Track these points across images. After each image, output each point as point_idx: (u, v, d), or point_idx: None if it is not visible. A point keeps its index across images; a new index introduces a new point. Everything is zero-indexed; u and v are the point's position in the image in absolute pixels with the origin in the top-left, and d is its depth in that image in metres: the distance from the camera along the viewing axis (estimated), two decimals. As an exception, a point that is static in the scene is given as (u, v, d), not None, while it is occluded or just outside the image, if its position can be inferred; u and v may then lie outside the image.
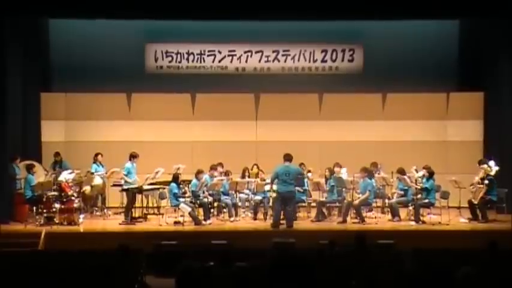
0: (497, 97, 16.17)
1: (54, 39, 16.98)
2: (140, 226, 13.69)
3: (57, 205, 13.39)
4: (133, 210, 14.11)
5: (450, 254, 9.77)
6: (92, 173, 14.76)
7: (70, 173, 14.16)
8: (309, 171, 14.96)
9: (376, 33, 16.78)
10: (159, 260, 10.99)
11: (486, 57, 16.54)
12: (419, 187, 13.93)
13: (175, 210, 13.82)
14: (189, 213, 13.50)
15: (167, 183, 14.20)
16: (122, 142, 16.48)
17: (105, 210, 14.78)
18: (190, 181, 14.23)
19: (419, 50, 16.95)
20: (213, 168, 14.50)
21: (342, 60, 17.10)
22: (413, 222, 13.57)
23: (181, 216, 13.66)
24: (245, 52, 17.07)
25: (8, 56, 14.04)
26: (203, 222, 13.55)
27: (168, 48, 17.05)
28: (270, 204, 14.19)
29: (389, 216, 14.30)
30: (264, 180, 14.52)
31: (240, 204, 14.58)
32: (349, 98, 17.09)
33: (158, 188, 14.53)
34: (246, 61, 17.11)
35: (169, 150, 16.33)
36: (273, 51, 17.08)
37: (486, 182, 13.92)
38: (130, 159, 14.09)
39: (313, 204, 14.76)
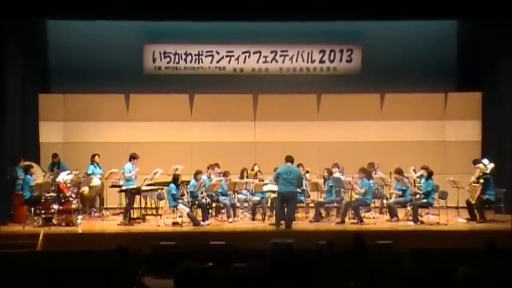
0: (496, 97, 16.20)
1: (52, 40, 16.97)
2: (138, 227, 13.69)
3: (55, 206, 13.37)
4: (131, 211, 14.11)
5: (448, 254, 9.78)
6: (89, 175, 14.74)
7: (68, 174, 14.14)
8: (307, 172, 14.97)
9: (374, 34, 16.78)
10: (157, 261, 10.96)
11: (484, 57, 16.57)
12: (417, 188, 13.94)
13: (173, 211, 13.82)
14: (188, 214, 13.50)
15: (166, 184, 14.21)
16: (120, 143, 16.50)
17: (103, 211, 14.78)
18: (188, 182, 14.23)
19: (417, 50, 16.96)
20: (210, 167, 14.52)
21: (340, 60, 17.10)
22: (411, 223, 13.58)
23: (179, 217, 13.65)
24: (243, 53, 17.06)
25: (6, 56, 14.03)
26: (201, 223, 13.55)
27: (166, 49, 17.04)
28: (269, 204, 14.21)
29: (387, 216, 14.31)
30: (263, 180, 14.52)
31: (238, 204, 14.58)
32: (347, 99, 17.10)
33: (157, 189, 14.52)
34: (244, 62, 17.11)
35: (167, 151, 16.34)
36: (271, 52, 17.08)
37: (481, 180, 13.93)
38: (130, 160, 14.09)
39: (312, 204, 14.76)
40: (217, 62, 17.09)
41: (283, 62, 17.12)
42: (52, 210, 13.33)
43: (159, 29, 16.61)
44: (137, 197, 14.41)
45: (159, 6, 13.34)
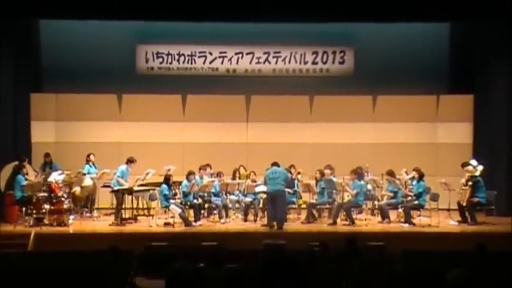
0: (487, 100, 16.28)
1: (45, 40, 16.92)
2: (130, 227, 13.66)
3: (46, 206, 13.34)
4: (123, 211, 14.08)
5: (440, 256, 9.79)
6: (84, 174, 14.71)
7: (60, 174, 14.11)
8: (299, 173, 14.98)
9: (367, 36, 16.81)
10: (149, 262, 10.92)
11: (476, 60, 16.63)
12: (408, 190, 13.97)
13: (165, 212, 13.80)
14: (180, 215, 13.49)
15: (158, 184, 14.19)
16: (113, 143, 16.49)
17: (94, 212, 14.74)
18: (180, 182, 14.22)
19: (409, 52, 17.00)
20: (202, 168, 14.51)
21: (333, 62, 17.12)
22: (406, 224, 13.58)
23: (171, 217, 13.64)
24: (236, 54, 17.07)
25: (-2, 56, 14.02)
26: (193, 223, 13.54)
27: (159, 50, 17.03)
28: (261, 205, 14.22)
29: (379, 218, 14.33)
30: (256, 181, 14.52)
31: (230, 205, 14.58)
32: (340, 100, 17.13)
33: (148, 189, 14.50)
34: (237, 63, 17.11)
35: (160, 151, 16.33)
36: (264, 53, 17.09)
37: (470, 183, 13.97)
38: (127, 163, 14.04)
39: (304, 206, 14.77)
40: (210, 62, 17.09)
41: (276, 63, 17.13)
42: (43, 210, 13.30)
43: (152, 29, 16.60)
44: (129, 198, 14.40)
45: (152, 7, 13.33)
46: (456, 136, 16.94)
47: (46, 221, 13.23)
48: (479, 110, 16.69)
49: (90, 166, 14.96)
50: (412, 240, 12.47)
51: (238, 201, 14.75)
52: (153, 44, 17.02)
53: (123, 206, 14.12)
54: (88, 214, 14.83)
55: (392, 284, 6.36)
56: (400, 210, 14.10)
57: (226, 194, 14.54)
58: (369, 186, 14.45)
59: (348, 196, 13.92)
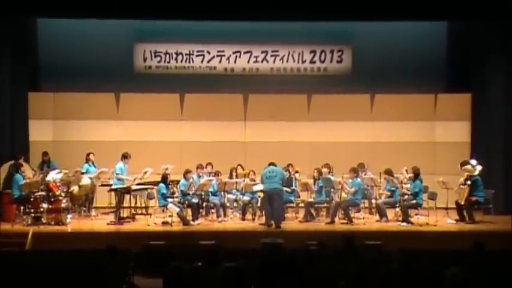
0: (485, 98, 16.29)
1: (42, 39, 16.90)
2: (128, 226, 13.65)
3: (44, 205, 13.32)
4: (121, 210, 14.07)
5: (437, 254, 9.81)
6: (83, 173, 14.69)
7: (58, 173, 14.09)
8: (297, 172, 14.98)
9: (365, 35, 16.82)
10: (147, 260, 10.96)
11: (474, 59, 16.64)
12: (405, 188, 13.98)
13: (163, 211, 13.79)
14: (177, 214, 13.48)
15: (155, 183, 14.18)
16: (110, 142, 16.48)
17: (92, 211, 14.73)
18: (178, 181, 14.21)
19: (407, 51, 17.00)
20: (199, 167, 14.49)
21: (331, 61, 17.12)
22: (404, 223, 13.58)
23: (169, 216, 13.63)
24: (234, 52, 17.06)
25: (-4, 54, 14.00)
26: (191, 222, 13.53)
27: (156, 48, 17.01)
28: (259, 204, 14.22)
29: (377, 217, 14.33)
30: (254, 180, 14.52)
31: (228, 204, 14.58)
32: (337, 99, 17.13)
33: (146, 188, 14.50)
34: (235, 61, 17.10)
35: (157, 150, 16.32)
36: (262, 52, 17.08)
37: (468, 182, 13.99)
38: (122, 159, 14.05)
39: (301, 204, 14.78)
40: (208, 61, 17.07)
41: (274, 62, 17.12)
42: (41, 209, 13.27)
43: (150, 28, 16.60)
44: (127, 196, 14.39)
45: (150, 5, 13.33)
46: (454, 135, 16.95)
47: (44, 220, 13.20)
48: (477, 109, 16.71)
49: (90, 165, 14.94)
50: (410, 239, 12.47)
51: (236, 200, 14.75)
52: (151, 43, 17.01)
53: (121, 205, 14.10)
54: (86, 213, 14.80)
55: (390, 282, 6.37)
56: (397, 209, 14.10)
57: (224, 193, 14.54)
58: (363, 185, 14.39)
59: (348, 193, 13.90)
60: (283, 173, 13.82)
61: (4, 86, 15.29)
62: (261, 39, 16.84)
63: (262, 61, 17.11)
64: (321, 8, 13.39)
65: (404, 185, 14.08)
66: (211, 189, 14.43)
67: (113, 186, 14.09)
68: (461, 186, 14.11)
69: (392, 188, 14.27)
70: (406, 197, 13.87)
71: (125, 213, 14.36)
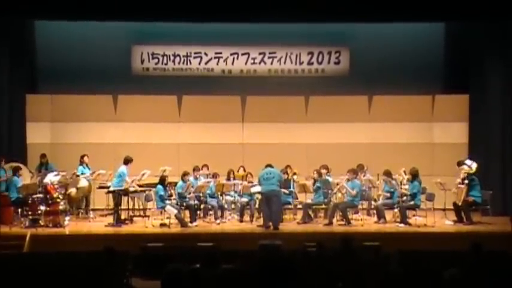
0: (482, 99, 16.31)
1: (40, 41, 16.90)
2: (126, 228, 13.65)
3: (42, 207, 13.31)
4: (119, 212, 14.06)
5: (435, 255, 9.82)
6: (78, 175, 14.69)
7: (55, 175, 14.09)
8: (295, 174, 14.98)
9: (362, 36, 16.83)
10: (145, 262, 10.94)
11: (471, 60, 16.66)
12: (403, 190, 13.99)
13: (161, 213, 13.79)
14: (175, 216, 13.48)
15: (153, 185, 14.18)
16: (108, 144, 16.48)
17: (90, 213, 14.72)
18: (176, 183, 14.21)
19: (405, 52, 17.01)
20: (195, 169, 14.47)
21: (328, 62, 17.12)
22: (402, 224, 13.59)
23: (167, 218, 13.63)
24: (231, 54, 17.06)
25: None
26: (189, 224, 13.54)
27: (154, 50, 17.01)
28: (257, 206, 14.22)
29: (375, 218, 14.34)
30: (252, 182, 14.52)
31: (226, 206, 14.58)
32: (335, 101, 17.14)
33: (144, 190, 14.49)
34: (233, 63, 17.10)
35: (155, 152, 16.32)
36: (260, 54, 17.08)
37: (466, 181, 14.00)
38: (125, 163, 13.98)
39: (299, 206, 14.78)
40: (206, 63, 17.08)
41: (271, 63, 17.13)
42: (39, 212, 13.27)
43: (148, 30, 16.59)
44: (125, 199, 14.38)
45: (148, 7, 13.33)
46: (452, 136, 16.96)
47: (42, 222, 13.19)
48: (474, 110, 16.72)
49: (84, 167, 14.93)
50: (408, 240, 12.49)
51: (234, 202, 14.75)
52: (149, 45, 17.00)
53: (119, 207, 14.09)
54: (84, 215, 14.79)
55: (388, 284, 6.37)
56: (396, 210, 14.11)
57: (222, 195, 14.53)
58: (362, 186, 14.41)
59: (345, 193, 13.90)
60: (281, 175, 13.83)
61: (2, 88, 15.27)
62: (259, 40, 16.84)
63: (259, 63, 17.12)
64: (319, 10, 13.38)
65: (403, 186, 14.08)
66: (209, 191, 14.42)
67: (111, 188, 14.06)
68: (459, 185, 14.12)
69: (391, 190, 14.28)
70: (404, 198, 13.88)
71: (122, 215, 14.34)
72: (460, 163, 14.40)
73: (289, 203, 14.64)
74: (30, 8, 13.33)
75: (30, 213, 13.28)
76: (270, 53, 17.10)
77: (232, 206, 14.79)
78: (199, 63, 17.07)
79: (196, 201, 14.16)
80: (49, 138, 16.79)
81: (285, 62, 17.12)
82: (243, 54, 17.07)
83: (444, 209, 14.48)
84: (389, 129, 17.04)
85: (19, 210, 13.51)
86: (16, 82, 15.92)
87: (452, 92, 17.07)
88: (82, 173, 14.80)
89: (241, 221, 14.27)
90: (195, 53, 17.04)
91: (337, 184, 14.05)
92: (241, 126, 17.22)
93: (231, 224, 14.18)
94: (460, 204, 14.00)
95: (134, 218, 14.55)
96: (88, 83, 16.55)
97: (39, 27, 16.81)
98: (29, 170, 15.09)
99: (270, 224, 13.24)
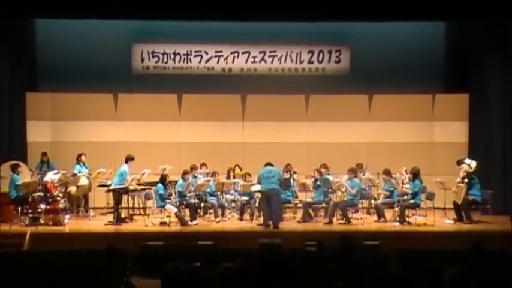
0: (482, 99, 16.31)
1: (40, 39, 16.90)
2: (126, 227, 13.65)
3: (42, 205, 13.31)
4: (119, 210, 14.06)
5: (435, 254, 9.81)
6: (74, 174, 14.68)
7: (56, 174, 14.09)
8: (295, 173, 14.98)
9: (363, 35, 16.81)
10: (145, 261, 10.92)
11: (471, 59, 16.67)
12: (405, 188, 13.99)
13: (161, 211, 13.79)
14: (175, 214, 13.49)
15: (153, 183, 14.18)
16: (109, 142, 16.48)
17: (89, 211, 14.72)
18: (176, 182, 14.21)
19: (405, 51, 17.01)
20: (193, 168, 14.44)
21: (329, 61, 17.13)
22: (397, 223, 13.60)
23: (167, 217, 13.64)
24: (232, 53, 17.06)
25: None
26: (189, 222, 13.54)
27: (154, 49, 17.01)
28: (257, 205, 14.22)
29: (375, 217, 14.34)
30: (251, 181, 14.52)
31: (226, 205, 14.58)
32: (335, 99, 17.14)
33: (144, 189, 14.49)
34: (233, 62, 17.11)
35: (155, 150, 16.31)
36: (260, 52, 17.08)
37: (466, 180, 14.00)
38: (127, 162, 13.97)
39: (300, 205, 14.78)
40: (206, 62, 17.08)
41: (271, 62, 17.13)
42: (39, 210, 13.27)
43: (148, 29, 16.58)
44: (125, 197, 14.38)
45: (148, 6, 13.32)
46: (452, 135, 16.97)
47: (42, 221, 13.20)
48: (474, 109, 16.72)
49: (81, 166, 14.92)
50: (408, 239, 12.49)
51: (234, 201, 14.75)
52: (149, 43, 17.00)
53: (119, 206, 14.09)
54: (84, 213, 14.79)
55: (387, 283, 6.37)
56: (396, 209, 14.11)
57: (222, 193, 14.54)
58: (362, 185, 14.43)
59: (345, 191, 13.90)
60: (281, 173, 13.84)
61: (2, 86, 15.27)
62: (259, 39, 16.84)
63: (260, 61, 17.12)
64: (319, 9, 13.37)
65: (404, 185, 14.08)
66: (209, 190, 14.43)
67: (111, 187, 14.06)
68: (459, 184, 14.12)
69: (391, 189, 14.28)
70: (405, 197, 13.87)
71: (123, 213, 14.35)
72: (460, 162, 14.40)
73: (289, 202, 14.64)
74: (30, 6, 13.32)
75: (30, 211, 13.28)
76: (270, 52, 17.10)
77: (233, 204, 14.80)
78: (200, 62, 17.07)
79: (196, 200, 14.16)
80: (49, 136, 16.79)
81: (285, 61, 17.12)
82: (243, 53, 17.07)
83: (444, 208, 14.48)
84: (389, 129, 17.04)
85: (19, 208, 13.51)
86: (16, 80, 15.92)
87: (452, 92, 17.08)
88: (79, 172, 14.79)
89: (241, 219, 14.27)
90: (195, 52, 17.04)
91: (337, 183, 14.05)
92: (242, 125, 17.21)
93: (231, 222, 14.18)
94: (460, 203, 14.00)
95: (134, 217, 14.56)
96: (88, 81, 16.55)
97: (39, 26, 16.81)
98: (28, 168, 15.09)
99: (270, 222, 13.24)
